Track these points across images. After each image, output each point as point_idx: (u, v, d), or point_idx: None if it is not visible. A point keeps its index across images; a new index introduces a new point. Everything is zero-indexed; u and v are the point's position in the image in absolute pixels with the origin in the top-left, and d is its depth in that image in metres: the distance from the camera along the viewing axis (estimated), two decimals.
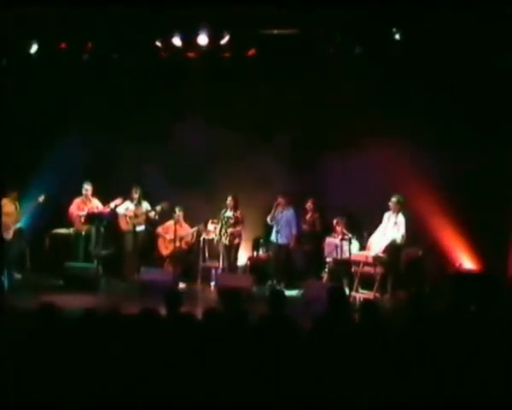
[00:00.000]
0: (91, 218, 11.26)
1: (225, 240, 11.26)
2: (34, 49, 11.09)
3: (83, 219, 11.32)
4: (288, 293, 8.41)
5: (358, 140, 10.86)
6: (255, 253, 11.96)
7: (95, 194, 11.53)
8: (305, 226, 11.30)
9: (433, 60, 10.22)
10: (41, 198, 11.27)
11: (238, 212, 11.27)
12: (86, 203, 11.45)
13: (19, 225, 11.36)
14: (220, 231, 11.28)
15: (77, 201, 11.48)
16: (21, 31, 10.66)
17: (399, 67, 10.52)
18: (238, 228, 11.30)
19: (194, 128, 11.74)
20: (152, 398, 4.40)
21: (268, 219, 11.23)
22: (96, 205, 11.47)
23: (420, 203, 10.47)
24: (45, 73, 11.59)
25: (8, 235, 11.11)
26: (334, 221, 10.62)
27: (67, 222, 11.63)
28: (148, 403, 4.38)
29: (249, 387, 4.47)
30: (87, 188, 11.41)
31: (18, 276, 11.27)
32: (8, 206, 11.16)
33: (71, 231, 11.63)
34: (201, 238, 11.59)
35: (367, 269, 10.24)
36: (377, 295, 10.04)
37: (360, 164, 10.95)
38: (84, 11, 9.76)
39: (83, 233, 11.42)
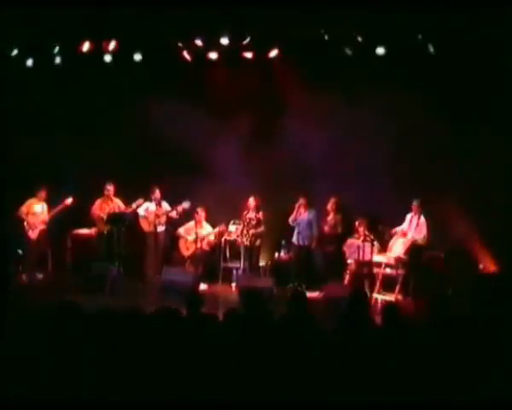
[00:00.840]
0: (113, 218, 11.30)
1: (247, 241, 11.26)
2: (56, 50, 11.22)
3: (105, 220, 11.38)
4: (309, 294, 8.36)
5: (380, 142, 10.81)
6: (276, 254, 11.93)
7: (116, 194, 11.59)
8: (326, 228, 11.22)
9: (455, 61, 10.16)
10: (69, 201, 11.33)
11: (260, 213, 11.27)
12: (108, 203, 11.51)
13: (45, 225, 11.44)
14: (242, 232, 11.29)
15: (99, 201, 11.54)
16: (46, 33, 10.78)
17: (420, 67, 10.45)
18: (260, 229, 11.29)
19: (214, 129, 11.76)
20: (172, 398, 4.40)
21: (289, 221, 11.20)
22: (117, 205, 11.52)
23: (442, 205, 10.37)
24: (68, 75, 11.64)
25: (34, 234, 11.22)
26: (356, 222, 10.55)
27: (89, 222, 11.70)
28: (167, 403, 4.38)
29: (271, 387, 4.46)
30: (109, 188, 11.47)
31: (39, 275, 11.35)
32: (36, 206, 11.25)
33: (92, 231, 11.70)
34: (223, 239, 11.60)
35: (389, 271, 10.19)
36: (399, 296, 9.99)
37: (382, 166, 10.91)
38: (105, 12, 9.83)
39: (104, 233, 11.47)
